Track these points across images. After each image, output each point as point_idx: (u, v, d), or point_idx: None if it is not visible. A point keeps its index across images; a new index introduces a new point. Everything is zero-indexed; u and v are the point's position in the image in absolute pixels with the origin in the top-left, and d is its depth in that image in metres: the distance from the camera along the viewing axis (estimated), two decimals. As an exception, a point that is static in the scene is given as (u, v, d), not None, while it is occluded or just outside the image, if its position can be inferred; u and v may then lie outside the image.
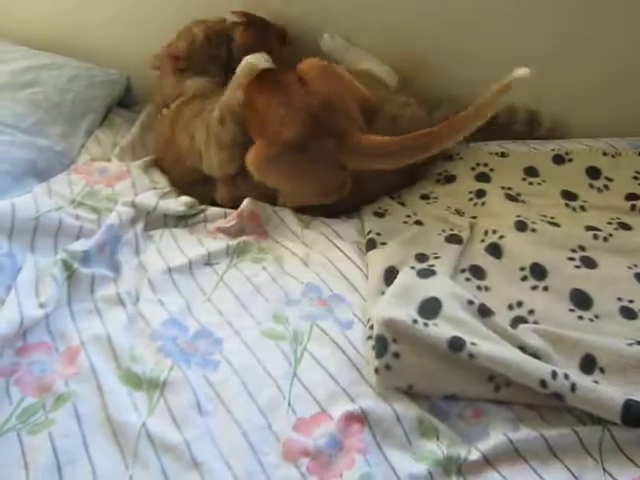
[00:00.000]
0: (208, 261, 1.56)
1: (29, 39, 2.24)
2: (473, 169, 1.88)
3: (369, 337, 1.31)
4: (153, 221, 1.67)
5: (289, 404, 1.21)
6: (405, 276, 1.38)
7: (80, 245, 1.50)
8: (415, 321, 1.23)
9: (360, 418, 1.17)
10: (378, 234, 1.62)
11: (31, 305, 1.33)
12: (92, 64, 2.19)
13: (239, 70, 1.66)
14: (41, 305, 1.33)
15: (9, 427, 1.14)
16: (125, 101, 2.23)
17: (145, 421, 1.16)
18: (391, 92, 1.91)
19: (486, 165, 1.88)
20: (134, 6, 2.23)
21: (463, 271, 1.51)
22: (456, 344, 1.20)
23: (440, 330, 1.23)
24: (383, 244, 1.58)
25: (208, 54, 1.93)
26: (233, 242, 1.60)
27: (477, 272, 1.50)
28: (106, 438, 1.14)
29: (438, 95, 2.03)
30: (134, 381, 1.24)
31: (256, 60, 1.66)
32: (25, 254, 1.46)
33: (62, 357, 1.27)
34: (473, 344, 1.20)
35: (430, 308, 1.28)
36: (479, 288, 1.46)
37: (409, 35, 2.03)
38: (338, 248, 1.60)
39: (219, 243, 1.61)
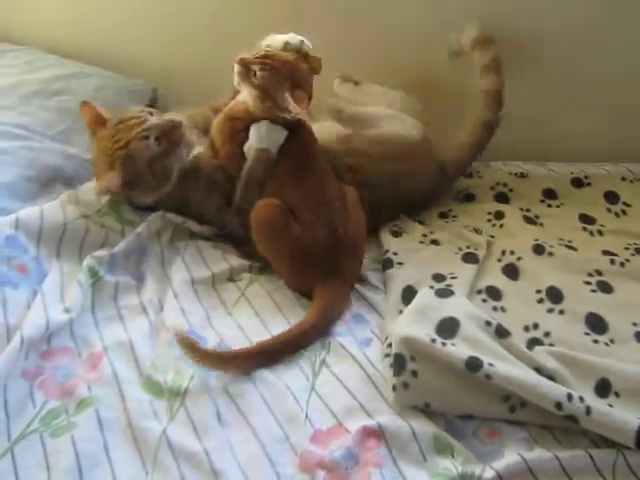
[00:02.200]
0: (230, 277, 1.58)
1: (58, 47, 2.29)
2: (492, 188, 1.91)
3: (387, 355, 1.33)
4: (179, 233, 1.68)
5: (306, 416, 1.23)
6: (424, 295, 1.40)
7: (107, 250, 1.54)
8: (433, 340, 1.25)
9: (377, 433, 1.19)
10: (395, 253, 1.64)
11: (57, 309, 1.35)
12: (119, 74, 2.23)
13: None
14: (66, 310, 1.36)
15: (32, 429, 1.16)
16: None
17: (165, 428, 1.17)
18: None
19: (505, 185, 1.91)
20: (162, 18, 2.28)
21: (479, 292, 1.53)
22: (473, 364, 1.21)
23: (458, 350, 1.24)
24: (400, 264, 1.61)
25: None
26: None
27: (493, 293, 1.52)
28: (127, 444, 1.16)
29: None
30: (155, 389, 1.26)
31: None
32: (51, 260, 1.49)
33: (85, 362, 1.30)
34: (490, 364, 1.21)
35: (448, 328, 1.30)
36: (495, 309, 1.48)
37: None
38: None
39: (242, 260, 1.64)
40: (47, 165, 1.76)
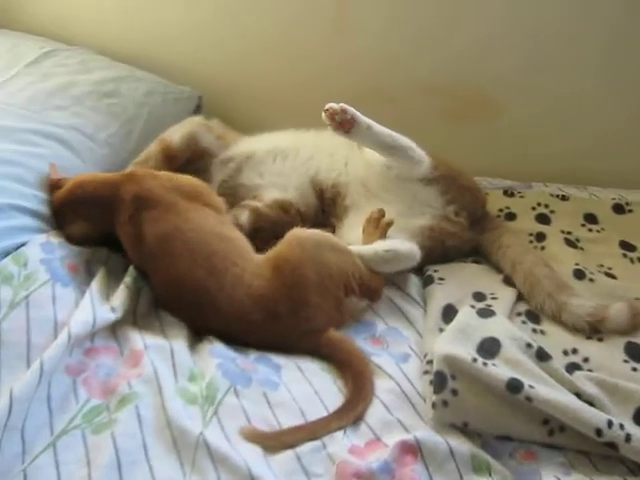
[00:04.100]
0: None
1: (106, 49, 2.32)
2: (534, 209, 1.91)
3: (426, 372, 1.33)
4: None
5: (344, 432, 1.24)
6: (465, 314, 1.41)
7: None
8: (475, 360, 1.25)
9: (414, 449, 1.19)
10: (436, 270, 1.65)
11: (103, 308, 1.38)
12: (166, 80, 2.26)
13: None
14: (112, 309, 1.39)
15: (74, 425, 1.18)
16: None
17: (203, 431, 1.18)
18: None
19: (547, 206, 1.91)
20: (210, 27, 2.30)
21: (519, 314, 1.53)
22: (514, 386, 1.22)
23: (499, 371, 1.24)
24: (441, 280, 1.61)
25: None
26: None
27: (533, 316, 1.53)
28: (165, 444, 1.17)
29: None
30: (189, 396, 1.26)
31: None
32: (100, 263, 1.53)
33: (126, 360, 1.32)
34: (531, 387, 1.22)
35: (489, 348, 1.30)
36: (535, 331, 1.48)
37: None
38: (394, 283, 1.64)
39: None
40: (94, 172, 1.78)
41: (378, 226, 1.61)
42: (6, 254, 1.42)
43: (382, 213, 1.63)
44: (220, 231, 1.51)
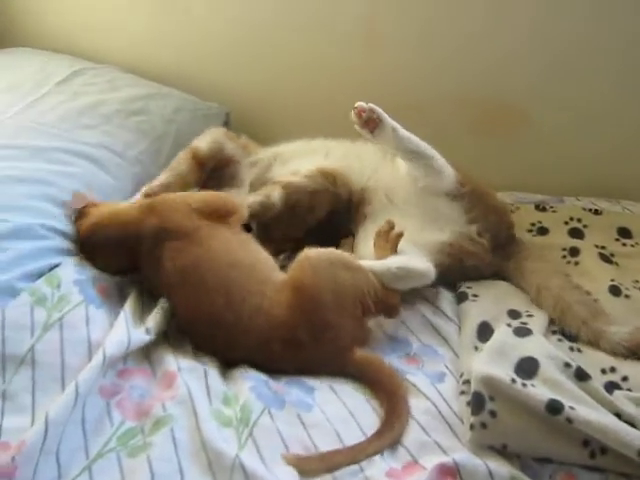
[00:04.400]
0: None
1: (134, 67, 2.34)
2: (566, 223, 1.89)
3: (462, 392, 1.32)
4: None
5: (382, 454, 1.22)
6: (502, 333, 1.38)
7: None
8: (513, 380, 1.23)
9: (453, 471, 1.17)
10: (469, 287, 1.63)
11: (138, 330, 1.38)
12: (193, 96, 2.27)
13: None
14: (147, 331, 1.39)
15: (109, 448, 1.17)
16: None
17: (238, 453, 1.16)
18: None
19: (579, 221, 1.89)
20: (238, 44, 2.30)
21: (555, 332, 1.51)
22: (554, 407, 1.19)
23: (538, 391, 1.22)
24: (475, 296, 1.60)
25: None
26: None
27: (568, 333, 1.51)
28: (201, 467, 1.15)
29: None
30: (223, 419, 1.25)
31: None
32: (131, 288, 1.53)
33: (160, 381, 1.31)
34: (571, 408, 1.19)
35: (527, 368, 1.28)
36: (572, 349, 1.46)
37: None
38: (425, 298, 1.62)
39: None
40: (124, 187, 1.82)
41: (388, 239, 1.59)
42: (39, 275, 1.41)
43: (391, 225, 1.60)
44: (240, 258, 1.48)
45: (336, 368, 1.41)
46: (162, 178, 1.73)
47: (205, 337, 1.43)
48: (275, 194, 1.68)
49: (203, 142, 1.85)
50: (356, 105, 1.60)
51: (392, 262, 1.53)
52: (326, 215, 1.76)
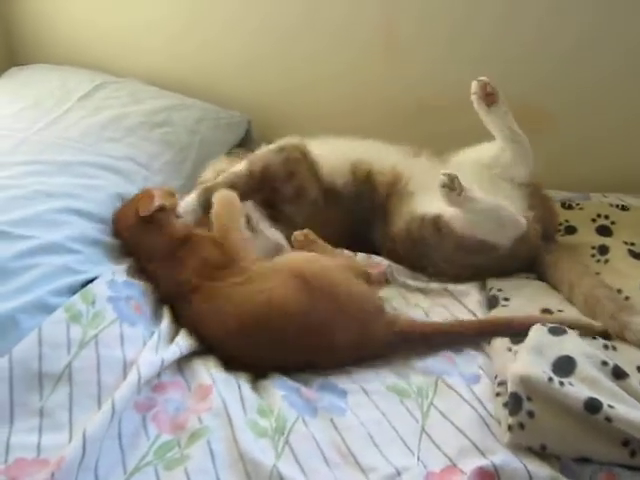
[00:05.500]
0: None
1: (156, 78, 2.36)
2: (594, 220, 1.87)
3: (498, 394, 1.30)
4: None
5: (418, 459, 1.21)
6: (537, 332, 1.36)
7: None
8: (550, 379, 1.21)
9: (492, 474, 1.15)
10: (500, 290, 1.62)
11: (170, 348, 1.38)
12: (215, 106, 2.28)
13: None
14: (177, 345, 1.39)
15: (147, 462, 1.17)
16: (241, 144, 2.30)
17: (275, 463, 1.16)
18: None
19: (607, 217, 1.87)
20: (256, 53, 2.33)
21: (588, 330, 1.49)
22: (593, 406, 1.17)
23: (576, 390, 1.20)
24: (506, 300, 1.59)
25: None
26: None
27: (603, 331, 1.49)
28: (239, 478, 1.15)
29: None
30: (259, 429, 1.25)
31: None
32: (163, 305, 1.54)
33: (194, 394, 1.31)
34: (610, 406, 1.17)
35: (564, 367, 1.26)
36: (606, 347, 1.43)
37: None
38: (461, 303, 1.62)
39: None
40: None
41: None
42: (70, 290, 1.42)
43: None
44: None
45: (388, 338, 1.46)
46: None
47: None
48: (241, 164, 1.77)
49: (277, 160, 1.81)
50: (480, 78, 1.68)
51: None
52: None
